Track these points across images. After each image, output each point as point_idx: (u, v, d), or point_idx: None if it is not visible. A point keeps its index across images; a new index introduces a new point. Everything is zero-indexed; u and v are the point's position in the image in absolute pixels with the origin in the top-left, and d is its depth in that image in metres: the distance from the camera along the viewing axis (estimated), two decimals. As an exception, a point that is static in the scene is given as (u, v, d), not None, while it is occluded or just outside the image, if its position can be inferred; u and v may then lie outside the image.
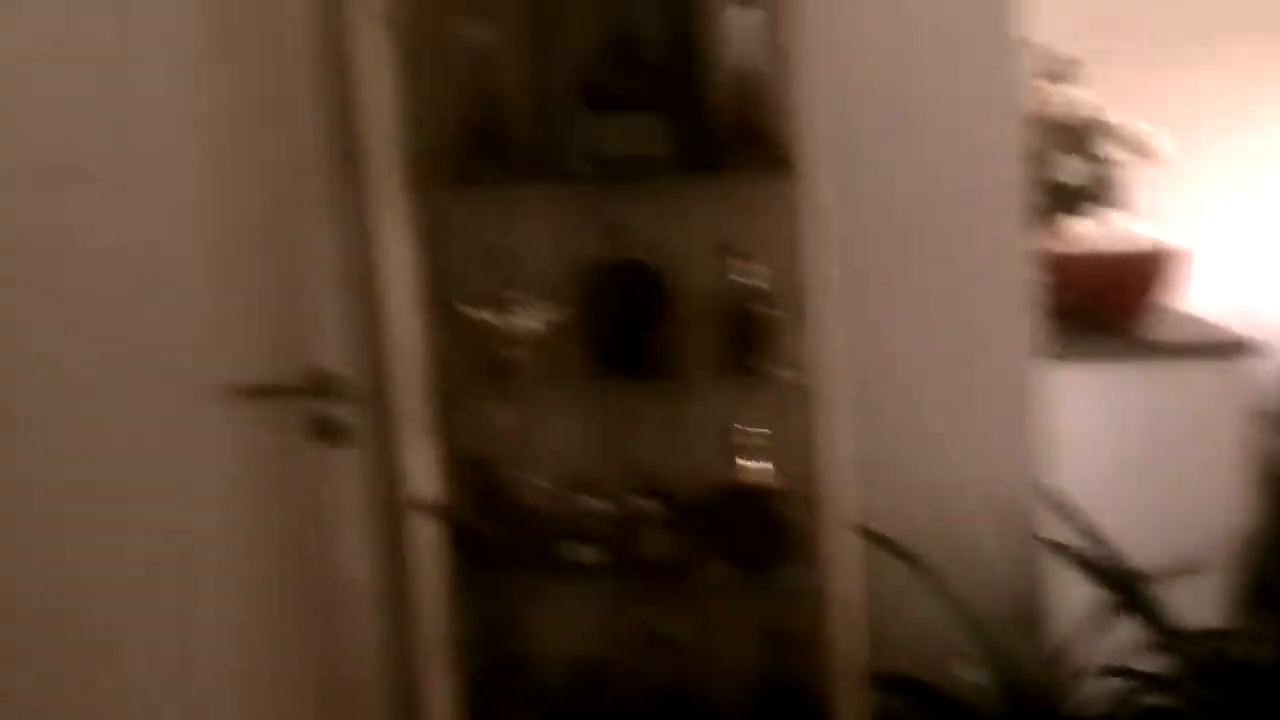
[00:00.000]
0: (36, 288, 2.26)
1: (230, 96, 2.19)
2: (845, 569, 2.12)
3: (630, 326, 2.22)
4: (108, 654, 2.35)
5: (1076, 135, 2.61)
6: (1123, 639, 2.14)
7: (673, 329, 2.22)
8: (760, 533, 2.19)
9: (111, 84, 2.20)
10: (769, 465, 2.20)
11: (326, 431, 2.22)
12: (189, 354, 2.26)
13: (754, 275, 2.16)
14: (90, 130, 2.21)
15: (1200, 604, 2.12)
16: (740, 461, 2.20)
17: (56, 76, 2.21)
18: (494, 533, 2.27)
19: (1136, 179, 2.73)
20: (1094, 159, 2.66)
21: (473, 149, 2.19)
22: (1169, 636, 2.12)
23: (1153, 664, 2.12)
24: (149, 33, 2.18)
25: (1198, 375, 2.54)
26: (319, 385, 2.21)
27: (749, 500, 2.20)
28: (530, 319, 2.22)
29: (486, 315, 2.21)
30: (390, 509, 2.23)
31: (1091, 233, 2.72)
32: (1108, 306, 2.67)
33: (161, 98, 2.20)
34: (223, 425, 2.27)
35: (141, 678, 2.35)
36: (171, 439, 2.28)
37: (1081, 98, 2.66)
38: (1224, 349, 2.53)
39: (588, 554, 2.25)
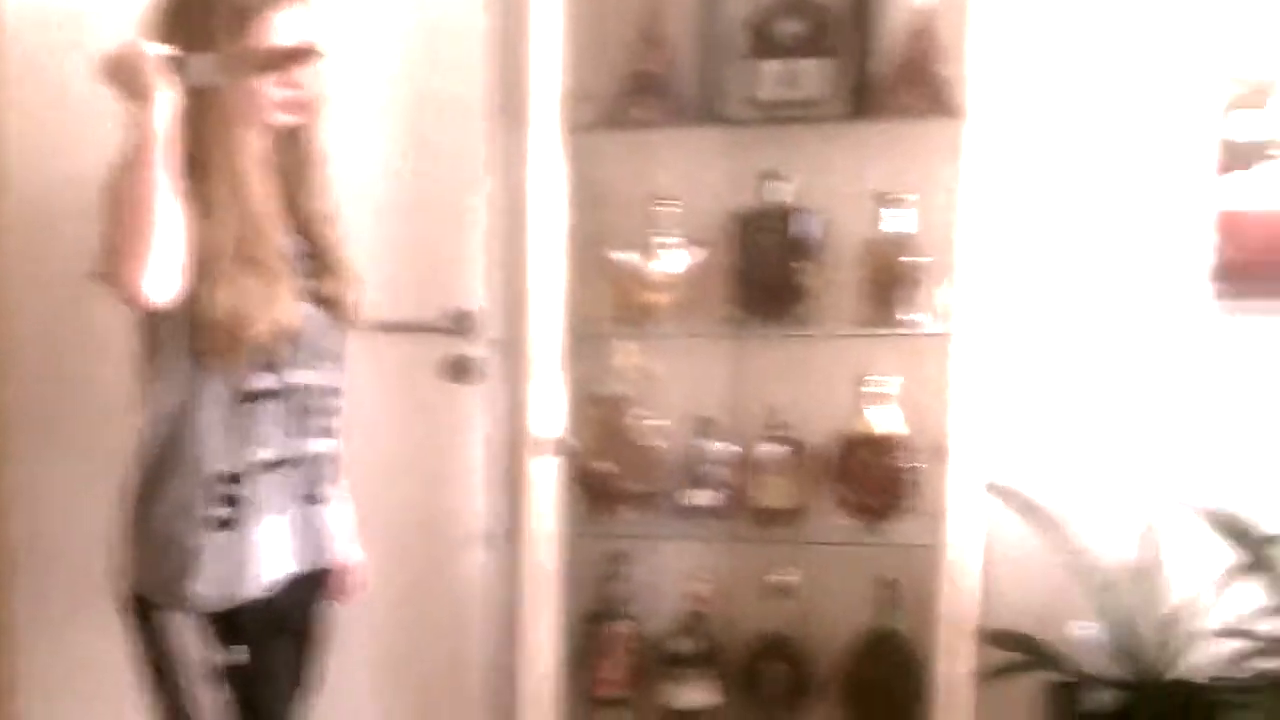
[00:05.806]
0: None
1: (402, 37, 2.23)
2: (965, 522, 2.02)
3: (773, 272, 2.17)
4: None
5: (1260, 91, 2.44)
6: (1243, 601, 2.01)
7: (817, 276, 2.17)
8: (883, 484, 2.13)
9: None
10: (899, 416, 2.14)
11: (460, 369, 2.25)
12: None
13: (907, 222, 2.11)
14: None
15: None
16: (870, 411, 2.15)
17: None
18: (614, 472, 2.25)
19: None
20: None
21: (635, 94, 2.21)
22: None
23: (1273, 627, 1.99)
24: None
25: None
26: (458, 324, 2.23)
27: (875, 450, 2.14)
28: (673, 263, 2.21)
29: (630, 258, 2.22)
30: (514, 446, 2.21)
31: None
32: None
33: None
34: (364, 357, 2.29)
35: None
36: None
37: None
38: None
39: (704, 497, 2.23)
